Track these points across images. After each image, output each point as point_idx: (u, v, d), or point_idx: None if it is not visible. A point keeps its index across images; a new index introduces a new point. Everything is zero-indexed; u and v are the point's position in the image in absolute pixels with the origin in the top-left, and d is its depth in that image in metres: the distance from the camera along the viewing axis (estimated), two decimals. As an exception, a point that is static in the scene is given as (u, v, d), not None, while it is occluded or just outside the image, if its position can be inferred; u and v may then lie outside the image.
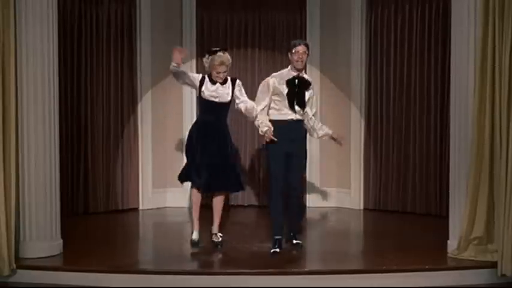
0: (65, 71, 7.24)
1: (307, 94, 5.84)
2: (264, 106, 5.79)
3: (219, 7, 8.11)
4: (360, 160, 7.86)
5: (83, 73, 7.54)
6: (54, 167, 5.59)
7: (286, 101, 5.75)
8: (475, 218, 5.37)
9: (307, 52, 5.79)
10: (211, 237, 6.06)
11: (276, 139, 5.61)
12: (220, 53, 5.87)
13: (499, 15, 5.15)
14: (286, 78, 5.79)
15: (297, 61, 5.76)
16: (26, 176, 5.45)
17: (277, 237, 5.78)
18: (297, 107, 5.77)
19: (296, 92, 5.77)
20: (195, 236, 5.99)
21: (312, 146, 8.00)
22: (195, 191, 6.02)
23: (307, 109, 5.90)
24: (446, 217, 5.85)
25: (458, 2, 5.46)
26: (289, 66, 5.86)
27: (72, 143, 7.51)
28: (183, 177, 6.13)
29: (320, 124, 6.10)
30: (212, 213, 6.09)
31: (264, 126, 5.66)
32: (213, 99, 5.91)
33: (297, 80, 5.78)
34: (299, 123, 5.86)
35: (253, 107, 5.85)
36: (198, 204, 6.02)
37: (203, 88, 5.93)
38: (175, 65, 5.92)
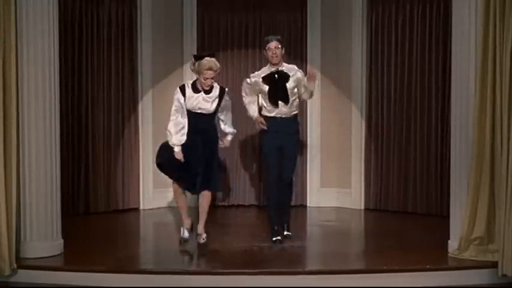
0: (65, 71, 7.24)
1: (290, 85, 5.96)
2: (250, 100, 6.08)
3: (219, 7, 8.11)
4: (360, 160, 7.85)
5: (84, 73, 7.54)
6: (55, 167, 5.59)
7: (267, 98, 5.98)
8: (476, 218, 5.36)
9: (279, 46, 5.96)
10: (196, 238, 5.95)
11: (266, 128, 6.00)
12: (207, 58, 5.70)
13: (500, 15, 5.15)
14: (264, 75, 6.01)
15: (272, 57, 5.97)
16: (27, 176, 5.45)
17: (275, 227, 6.11)
18: (280, 102, 5.95)
19: (277, 87, 5.94)
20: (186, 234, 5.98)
21: (313, 146, 8.01)
22: (179, 190, 5.95)
23: (296, 99, 6.07)
24: (447, 217, 5.85)
25: (458, 1, 5.45)
26: (268, 65, 6.07)
27: (73, 143, 7.52)
28: (175, 178, 6.00)
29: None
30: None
31: (251, 112, 6.08)
32: (195, 110, 5.79)
33: (276, 75, 5.96)
34: (289, 119, 6.03)
35: (231, 133, 6.04)
36: (184, 202, 6.02)
37: (186, 98, 5.78)
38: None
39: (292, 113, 6.06)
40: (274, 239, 6.04)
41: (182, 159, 5.74)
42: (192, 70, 5.89)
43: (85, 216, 7.44)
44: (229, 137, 6.09)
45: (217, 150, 5.96)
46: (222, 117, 5.96)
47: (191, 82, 5.87)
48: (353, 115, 7.87)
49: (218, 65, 5.76)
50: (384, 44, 7.67)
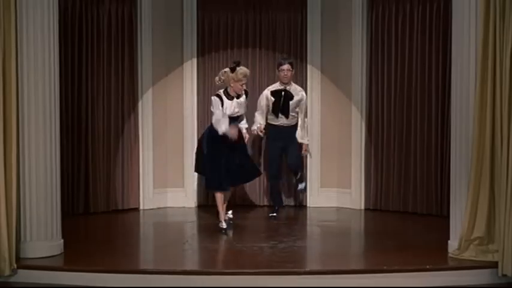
0: (65, 71, 7.24)
1: (292, 103, 7.23)
2: (260, 113, 7.28)
3: (220, 7, 8.10)
4: (360, 160, 7.85)
5: (84, 73, 7.54)
6: (55, 167, 5.58)
7: (271, 109, 7.25)
8: (476, 218, 5.36)
9: (291, 69, 7.22)
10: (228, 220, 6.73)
11: (262, 135, 7.31)
12: (241, 67, 6.51)
13: (500, 15, 5.15)
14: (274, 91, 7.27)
15: (283, 77, 7.21)
16: (27, 176, 5.45)
17: (276, 206, 7.46)
18: (280, 115, 7.25)
19: (280, 102, 7.21)
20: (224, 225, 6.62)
21: (313, 146, 8.01)
22: (220, 194, 6.59)
23: (298, 113, 7.33)
24: (447, 217, 5.85)
25: (458, 2, 5.44)
26: (278, 82, 7.29)
27: (73, 143, 7.51)
28: (213, 186, 6.66)
29: (300, 132, 7.37)
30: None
31: (256, 124, 7.21)
32: (232, 115, 6.52)
33: (283, 93, 7.21)
34: (290, 127, 7.31)
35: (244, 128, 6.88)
36: (224, 203, 6.66)
37: (224, 107, 6.46)
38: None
39: (293, 123, 7.32)
40: (270, 214, 7.34)
41: (235, 134, 6.51)
42: (222, 80, 6.54)
43: (85, 216, 7.43)
44: (244, 130, 6.83)
45: (245, 144, 6.84)
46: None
47: (222, 91, 6.55)
48: (353, 115, 7.87)
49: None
50: (383, 44, 7.67)
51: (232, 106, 6.52)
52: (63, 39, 7.00)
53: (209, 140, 6.57)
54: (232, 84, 6.50)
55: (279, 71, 7.25)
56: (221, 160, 6.50)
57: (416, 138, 7.48)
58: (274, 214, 7.32)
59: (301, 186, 7.63)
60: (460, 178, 5.47)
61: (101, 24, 7.60)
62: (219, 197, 6.59)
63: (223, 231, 6.52)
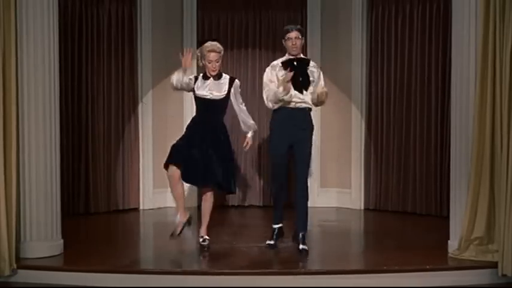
0: (65, 71, 7.25)
1: (310, 72, 5.59)
2: (270, 87, 5.66)
3: (219, 7, 8.12)
4: (360, 160, 7.86)
5: (84, 73, 7.55)
6: (55, 167, 5.58)
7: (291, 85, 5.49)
8: (476, 218, 5.36)
9: (300, 37, 5.64)
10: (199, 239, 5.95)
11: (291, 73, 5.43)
12: (209, 42, 5.82)
13: (500, 15, 5.15)
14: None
15: (292, 47, 5.63)
16: (27, 176, 5.45)
17: (274, 226, 5.98)
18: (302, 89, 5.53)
19: (298, 72, 5.48)
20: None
21: (313, 146, 7.99)
22: (173, 167, 5.66)
23: (312, 88, 5.65)
24: (447, 217, 5.85)
25: (458, 1, 5.45)
26: (286, 54, 5.73)
27: (73, 143, 7.52)
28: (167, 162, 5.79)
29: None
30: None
31: (279, 86, 5.54)
32: (204, 96, 5.79)
33: (295, 62, 5.50)
34: (302, 112, 5.66)
35: (253, 124, 5.97)
36: (178, 182, 5.72)
37: (195, 86, 5.82)
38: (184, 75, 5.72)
39: (307, 105, 5.66)
40: (267, 242, 5.86)
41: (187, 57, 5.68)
42: (199, 61, 5.89)
43: (85, 216, 7.44)
44: (249, 134, 6.04)
45: (229, 149, 5.90)
46: (240, 115, 5.96)
47: (202, 74, 5.89)
48: (353, 115, 7.88)
49: (221, 47, 5.82)
50: (383, 44, 7.68)
51: (205, 86, 5.76)
52: (63, 39, 6.99)
53: (187, 126, 5.98)
54: (204, 62, 5.85)
55: (285, 40, 5.65)
56: (185, 147, 5.71)
57: (416, 138, 7.49)
58: (271, 242, 5.85)
59: (303, 246, 5.70)
60: (460, 178, 5.48)
61: (101, 24, 7.61)
62: (168, 176, 5.68)
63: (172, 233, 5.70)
